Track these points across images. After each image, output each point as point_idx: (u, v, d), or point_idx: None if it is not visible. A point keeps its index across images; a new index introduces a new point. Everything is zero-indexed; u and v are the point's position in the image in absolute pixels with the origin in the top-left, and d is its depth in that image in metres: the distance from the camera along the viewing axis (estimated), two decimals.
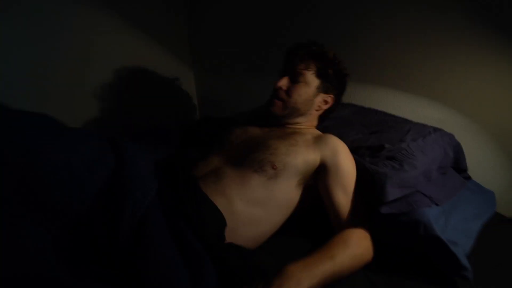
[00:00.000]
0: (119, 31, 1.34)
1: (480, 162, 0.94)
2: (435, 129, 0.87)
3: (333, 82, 0.83)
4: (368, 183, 0.70)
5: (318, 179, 0.74)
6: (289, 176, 0.71)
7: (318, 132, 0.86)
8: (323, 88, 0.82)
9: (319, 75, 0.81)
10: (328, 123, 0.94)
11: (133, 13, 1.37)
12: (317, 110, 0.85)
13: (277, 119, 0.85)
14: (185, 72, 1.68)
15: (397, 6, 1.03)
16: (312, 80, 0.81)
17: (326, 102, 0.84)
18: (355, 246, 0.63)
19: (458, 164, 0.88)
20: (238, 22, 1.47)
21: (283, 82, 0.81)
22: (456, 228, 0.67)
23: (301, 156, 0.72)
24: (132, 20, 1.37)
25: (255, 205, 0.69)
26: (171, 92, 1.64)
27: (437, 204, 0.68)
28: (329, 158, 0.73)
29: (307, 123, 0.86)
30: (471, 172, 0.90)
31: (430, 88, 1.03)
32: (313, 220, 0.80)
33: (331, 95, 0.84)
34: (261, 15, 1.37)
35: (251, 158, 0.71)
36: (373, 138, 0.86)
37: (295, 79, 0.81)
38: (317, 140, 0.76)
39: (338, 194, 0.71)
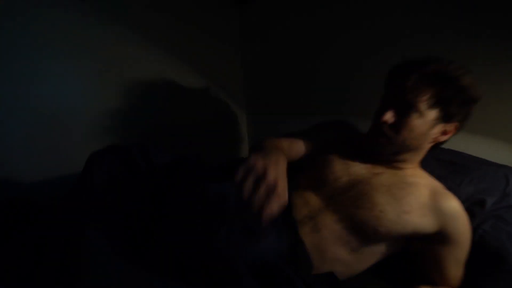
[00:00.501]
0: (179, 71, 1.45)
1: None
2: None
3: (459, 109, 0.64)
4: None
5: (427, 243, 0.66)
6: (391, 243, 0.66)
7: (433, 184, 0.69)
8: (443, 117, 0.64)
9: (438, 102, 0.62)
10: None
11: (192, 52, 1.47)
12: (432, 142, 0.68)
13: (381, 156, 0.70)
14: (238, 112, 1.73)
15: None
16: (427, 109, 0.62)
17: (445, 132, 0.66)
18: None
19: None
20: (291, 63, 1.49)
21: (389, 116, 0.64)
22: None
23: (412, 226, 0.63)
24: (191, 60, 1.46)
25: (348, 257, 0.66)
26: (222, 131, 1.68)
27: None
28: (450, 228, 0.63)
29: (417, 158, 0.71)
30: None
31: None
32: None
33: (454, 123, 0.65)
34: (313, 56, 1.38)
35: (353, 214, 0.64)
36: (465, 187, 0.73)
37: (405, 110, 0.63)
38: (435, 204, 0.64)
39: (450, 266, 0.65)
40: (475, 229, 0.68)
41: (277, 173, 0.44)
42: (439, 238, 0.64)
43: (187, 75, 1.49)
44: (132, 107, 1.32)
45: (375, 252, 0.67)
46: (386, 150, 0.67)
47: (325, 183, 0.70)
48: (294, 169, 0.73)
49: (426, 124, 0.64)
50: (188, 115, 1.54)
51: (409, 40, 1.04)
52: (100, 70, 1.20)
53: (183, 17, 1.42)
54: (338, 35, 1.25)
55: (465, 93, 0.62)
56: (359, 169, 0.71)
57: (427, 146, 0.69)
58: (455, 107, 0.63)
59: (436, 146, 0.71)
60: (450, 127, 0.66)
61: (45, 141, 1.09)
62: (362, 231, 0.63)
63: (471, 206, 0.73)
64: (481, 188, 0.74)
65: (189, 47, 1.47)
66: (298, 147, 0.78)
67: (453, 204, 0.64)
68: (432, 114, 0.63)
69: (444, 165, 0.80)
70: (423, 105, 0.62)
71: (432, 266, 0.67)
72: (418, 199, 0.64)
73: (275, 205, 0.41)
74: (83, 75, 1.16)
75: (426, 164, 0.79)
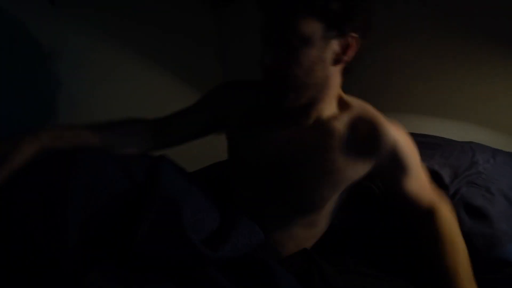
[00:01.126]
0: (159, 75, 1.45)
1: None
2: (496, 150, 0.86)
3: (346, 15, 0.50)
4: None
5: (373, 179, 0.68)
6: (334, 199, 0.64)
7: (355, 109, 0.60)
8: (334, 30, 0.50)
9: (319, 16, 0.48)
10: None
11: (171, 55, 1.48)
12: (335, 65, 0.54)
13: (282, 106, 0.58)
14: None
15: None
16: (310, 32, 0.49)
17: (346, 47, 0.53)
18: (453, 216, 0.64)
19: None
20: None
21: (269, 56, 0.52)
22: None
23: (348, 179, 0.60)
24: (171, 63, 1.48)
25: (302, 233, 0.64)
26: None
27: None
28: (385, 162, 0.60)
29: (327, 92, 0.58)
30: None
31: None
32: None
33: (351, 35, 0.52)
34: None
35: (286, 199, 0.61)
36: (437, 159, 0.81)
37: (283, 43, 0.51)
38: (368, 147, 0.58)
39: (407, 187, 0.63)
40: (452, 196, 0.72)
41: None
42: (380, 173, 0.63)
43: (168, 78, 1.50)
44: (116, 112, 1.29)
45: (327, 212, 0.65)
46: (282, 98, 0.55)
47: (246, 172, 0.65)
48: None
49: (316, 49, 0.50)
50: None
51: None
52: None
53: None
54: None
55: None
56: (271, 142, 0.61)
57: (332, 73, 0.56)
58: (340, 9, 0.48)
59: (347, 70, 0.59)
60: (348, 39, 0.52)
61: None
62: (303, 209, 0.62)
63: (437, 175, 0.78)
64: (451, 159, 0.83)
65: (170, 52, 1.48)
66: (184, 122, 0.68)
67: (385, 136, 0.58)
68: (317, 32, 0.49)
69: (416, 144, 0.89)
70: (304, 29, 0.48)
71: (401, 202, 0.65)
72: (343, 145, 0.57)
73: None
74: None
75: None
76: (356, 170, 0.59)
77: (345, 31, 0.51)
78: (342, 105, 0.61)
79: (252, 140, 0.63)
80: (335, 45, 0.52)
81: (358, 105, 0.62)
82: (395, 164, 0.60)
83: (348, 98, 0.63)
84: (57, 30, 1.09)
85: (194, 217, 0.49)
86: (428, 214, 0.63)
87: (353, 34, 0.52)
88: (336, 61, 0.54)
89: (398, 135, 0.59)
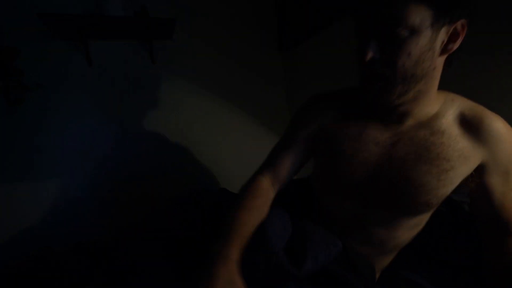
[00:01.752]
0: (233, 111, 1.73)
1: None
2: None
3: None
4: None
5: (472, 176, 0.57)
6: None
7: (462, 110, 0.56)
8: (443, 20, 0.47)
9: (427, 5, 0.45)
10: None
11: (244, 94, 1.75)
12: (442, 55, 0.51)
13: (387, 105, 0.54)
14: None
15: None
16: (419, 21, 0.46)
17: (454, 35, 0.49)
18: None
19: None
20: None
21: (372, 51, 0.49)
22: None
23: (459, 178, 0.55)
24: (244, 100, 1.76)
25: (406, 233, 0.62)
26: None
27: None
28: (492, 158, 0.54)
29: (432, 85, 0.54)
30: None
31: None
32: None
33: (461, 21, 0.48)
34: None
35: (396, 204, 0.57)
36: None
37: (390, 36, 0.47)
38: (472, 135, 0.54)
39: (496, 196, 0.55)
40: None
41: None
42: (483, 169, 0.55)
43: (240, 114, 1.74)
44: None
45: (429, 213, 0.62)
46: (389, 94, 0.51)
47: (343, 185, 0.61)
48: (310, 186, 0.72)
49: (424, 38, 0.47)
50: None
51: None
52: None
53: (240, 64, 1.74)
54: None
55: None
56: (371, 150, 0.58)
57: (438, 64, 0.52)
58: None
59: (451, 62, 0.54)
60: (457, 26, 0.48)
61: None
62: (417, 210, 0.57)
63: None
64: None
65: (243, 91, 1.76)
66: (292, 163, 0.68)
67: (494, 127, 0.53)
68: (425, 21, 0.46)
69: None
70: (410, 18, 0.45)
71: (482, 209, 0.58)
72: (454, 145, 0.53)
73: None
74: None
75: None
76: (468, 165, 0.54)
77: (455, 17, 0.47)
78: (443, 100, 0.57)
79: (351, 148, 0.60)
80: (443, 34, 0.48)
81: (458, 98, 0.58)
82: (502, 163, 0.54)
83: (443, 92, 0.58)
84: (156, 81, 1.51)
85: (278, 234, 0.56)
86: (500, 235, 0.56)
87: (463, 21, 0.48)
88: (443, 51, 0.50)
89: (509, 132, 0.54)
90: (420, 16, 0.45)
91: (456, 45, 0.50)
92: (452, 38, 0.49)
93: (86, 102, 1.38)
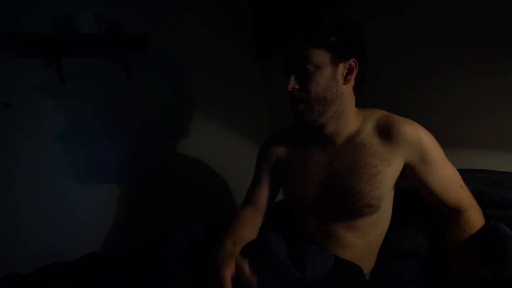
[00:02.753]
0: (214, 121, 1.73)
1: None
2: None
3: (344, 43, 0.66)
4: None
5: (406, 176, 0.70)
6: (387, 197, 0.70)
7: (375, 123, 0.70)
8: (338, 57, 0.66)
9: (325, 48, 0.65)
10: None
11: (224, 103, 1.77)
12: (345, 84, 0.68)
13: (313, 124, 0.70)
14: None
15: None
16: (320, 59, 0.65)
17: (350, 69, 0.68)
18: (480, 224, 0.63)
19: None
20: None
21: (292, 82, 0.67)
22: None
23: (388, 178, 0.67)
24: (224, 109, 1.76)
25: (373, 231, 0.71)
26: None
27: None
28: (413, 158, 0.66)
29: (346, 106, 0.69)
30: None
31: None
32: None
33: (352, 59, 0.67)
34: None
35: (344, 210, 0.69)
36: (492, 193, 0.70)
37: (303, 71, 0.66)
38: (390, 143, 0.66)
39: (439, 189, 0.67)
40: None
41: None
42: (409, 168, 0.67)
43: (221, 125, 1.74)
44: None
45: (386, 210, 0.72)
46: (309, 114, 0.68)
47: (304, 206, 0.75)
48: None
49: (326, 71, 0.65)
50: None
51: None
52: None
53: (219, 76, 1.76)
54: None
55: (338, 25, 0.66)
56: (315, 171, 0.73)
57: (345, 91, 0.68)
58: (339, 42, 0.65)
59: (358, 89, 0.71)
60: (350, 63, 0.67)
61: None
62: (362, 212, 0.68)
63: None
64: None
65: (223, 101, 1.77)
66: (265, 194, 0.82)
67: (402, 131, 0.65)
68: (325, 60, 0.65)
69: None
70: (313, 57, 0.65)
71: (430, 198, 0.69)
72: (376, 153, 0.67)
73: None
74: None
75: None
76: (392, 167, 0.66)
77: (347, 57, 0.67)
78: (362, 118, 0.72)
79: (300, 173, 0.75)
80: (342, 68, 0.67)
81: (374, 112, 0.72)
82: (421, 158, 0.66)
83: (363, 110, 0.74)
84: (133, 97, 1.50)
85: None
86: (453, 214, 0.67)
87: (354, 59, 0.67)
88: (346, 81, 0.68)
89: (420, 131, 0.66)
90: (321, 57, 0.65)
91: (353, 77, 0.68)
92: (349, 71, 0.68)
93: (60, 120, 1.35)
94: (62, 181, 1.36)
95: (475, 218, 0.64)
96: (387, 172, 0.66)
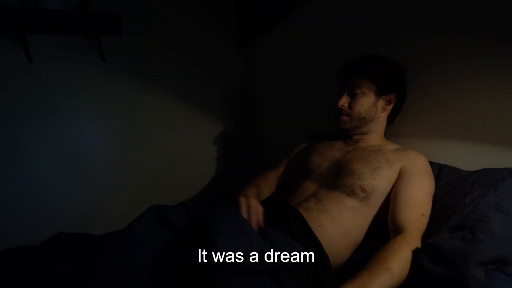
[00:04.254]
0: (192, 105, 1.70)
1: None
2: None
3: (389, 81, 0.85)
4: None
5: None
6: (378, 196, 0.78)
7: (397, 146, 0.88)
8: (382, 91, 0.85)
9: (373, 82, 0.84)
10: None
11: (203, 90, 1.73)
12: (382, 112, 0.88)
13: (349, 132, 0.90)
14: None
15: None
16: (368, 89, 0.85)
17: (389, 101, 0.87)
18: (408, 254, 0.60)
19: None
20: (286, 95, 1.58)
21: (343, 100, 0.87)
22: None
23: (386, 178, 0.77)
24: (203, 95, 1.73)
25: (354, 219, 0.77)
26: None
27: None
28: (406, 165, 0.78)
29: (378, 128, 0.89)
30: None
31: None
32: None
33: (392, 94, 0.86)
34: (303, 85, 1.43)
35: (341, 183, 0.80)
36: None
37: (353, 93, 0.86)
38: (398, 154, 0.81)
39: (405, 192, 0.73)
40: None
41: (251, 210, 0.69)
42: (401, 173, 0.77)
43: (199, 111, 1.72)
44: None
45: (373, 205, 0.78)
46: (349, 124, 0.88)
47: (312, 171, 0.90)
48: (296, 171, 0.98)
49: (370, 99, 0.85)
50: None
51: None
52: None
53: (198, 62, 1.72)
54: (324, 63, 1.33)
55: (387, 67, 0.85)
56: (334, 153, 0.91)
57: (381, 115, 0.88)
58: (385, 80, 0.84)
59: (391, 119, 0.91)
60: (390, 97, 0.86)
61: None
62: (354, 192, 0.78)
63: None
64: (446, 201, 0.68)
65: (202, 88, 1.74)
66: (287, 167, 1.06)
67: (414, 153, 0.80)
68: (372, 90, 0.85)
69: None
70: (363, 86, 0.85)
71: (392, 202, 0.74)
72: (385, 156, 0.81)
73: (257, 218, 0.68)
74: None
75: None
76: (392, 169, 0.78)
77: (388, 92, 0.86)
78: (385, 141, 0.92)
79: (324, 150, 0.94)
80: (383, 99, 0.86)
81: (395, 145, 0.89)
82: (410, 169, 0.76)
83: (388, 140, 0.92)
84: (106, 79, 1.45)
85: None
86: (394, 234, 0.69)
87: (394, 95, 0.86)
88: (383, 109, 0.88)
89: (421, 159, 0.79)
90: (368, 87, 0.85)
91: (390, 107, 0.88)
92: (388, 103, 0.87)
93: (27, 99, 1.30)
94: (30, 163, 1.33)
95: (405, 247, 0.61)
96: (387, 171, 0.78)
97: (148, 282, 0.55)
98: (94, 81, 1.44)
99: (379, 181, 0.77)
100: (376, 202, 0.78)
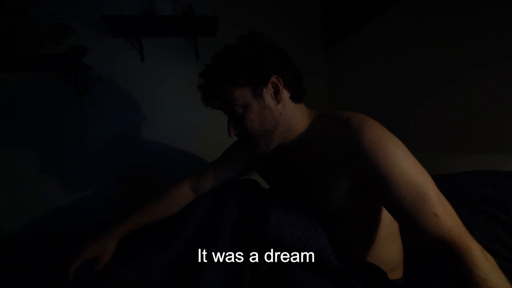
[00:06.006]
0: None
1: None
2: None
3: (255, 73, 0.61)
4: None
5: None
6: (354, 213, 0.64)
7: (325, 131, 0.63)
8: (256, 85, 0.62)
9: (240, 84, 0.62)
10: None
11: None
12: (278, 104, 0.65)
13: (269, 151, 0.69)
14: None
15: None
16: (242, 99, 0.63)
17: (275, 87, 0.64)
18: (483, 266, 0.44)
19: None
20: (371, 97, 1.48)
21: (231, 129, 0.66)
22: None
23: (343, 184, 0.61)
24: None
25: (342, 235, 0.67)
26: None
27: None
28: (364, 171, 0.55)
29: (289, 122, 0.67)
30: None
31: None
32: None
33: (273, 78, 0.63)
34: (388, 90, 1.32)
35: (313, 201, 0.68)
36: None
37: (233, 113, 0.65)
38: (338, 152, 0.59)
39: (403, 211, 0.51)
40: None
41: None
42: (365, 185, 0.56)
43: None
44: None
45: (355, 225, 0.66)
46: (258, 148, 0.68)
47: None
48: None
49: (254, 106, 0.63)
50: None
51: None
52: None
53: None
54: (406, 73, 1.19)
55: (235, 57, 0.62)
56: (283, 169, 0.74)
57: (282, 109, 0.65)
58: (253, 71, 0.61)
59: (297, 95, 0.67)
60: (273, 81, 0.63)
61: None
62: (327, 208, 0.65)
63: None
64: None
65: None
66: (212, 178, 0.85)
67: (361, 140, 0.54)
68: (248, 94, 0.62)
69: None
70: (236, 97, 0.62)
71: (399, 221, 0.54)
72: (326, 165, 0.61)
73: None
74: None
75: None
76: (341, 172, 0.59)
77: (265, 80, 0.63)
78: (313, 122, 0.69)
79: (272, 172, 0.81)
80: (266, 93, 0.64)
81: (329, 115, 0.67)
82: (372, 172, 0.53)
83: (320, 112, 0.70)
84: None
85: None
86: (448, 256, 0.48)
87: (274, 77, 0.63)
88: (278, 101, 0.65)
89: (372, 136, 0.54)
90: (241, 95, 0.62)
91: (283, 92, 0.65)
92: (275, 90, 0.64)
93: (138, 96, 1.54)
94: (127, 152, 1.57)
95: (481, 260, 0.45)
96: (335, 174, 0.61)
97: None
98: (189, 78, 1.61)
99: (339, 190, 0.61)
100: (354, 220, 0.64)
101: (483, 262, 0.44)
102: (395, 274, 0.71)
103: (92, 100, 1.46)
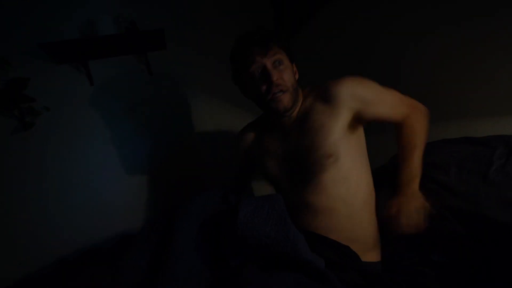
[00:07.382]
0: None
1: None
2: None
3: (291, 52, 0.85)
4: None
5: (361, 120, 0.81)
6: (343, 145, 0.78)
7: (316, 92, 0.85)
8: (292, 58, 0.86)
9: (287, 49, 0.83)
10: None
11: None
12: (296, 77, 0.88)
13: (287, 112, 0.83)
14: None
15: None
16: (285, 59, 0.83)
17: (296, 71, 0.89)
18: (420, 122, 0.81)
19: None
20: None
21: (276, 76, 0.79)
22: None
23: (335, 128, 0.78)
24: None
25: (345, 183, 0.78)
26: None
27: None
28: (356, 106, 0.78)
29: (299, 95, 0.87)
30: None
31: None
32: None
33: (294, 64, 0.88)
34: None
35: (306, 168, 0.80)
36: None
37: (275, 67, 0.80)
38: (331, 100, 0.79)
39: (379, 113, 0.81)
40: None
41: None
42: (360, 113, 0.79)
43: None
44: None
45: (349, 162, 0.80)
46: (288, 100, 0.80)
47: (276, 177, 0.89)
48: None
49: (290, 67, 0.84)
50: None
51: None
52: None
53: None
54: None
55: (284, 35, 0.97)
56: (276, 145, 0.88)
57: (297, 84, 0.86)
58: (290, 50, 0.84)
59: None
60: (294, 67, 0.88)
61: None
62: (325, 167, 0.77)
63: None
64: None
65: None
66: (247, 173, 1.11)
67: (337, 91, 0.78)
68: (287, 59, 0.83)
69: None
70: (283, 57, 0.82)
71: (381, 120, 0.82)
72: (317, 110, 0.80)
73: None
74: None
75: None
76: (337, 117, 0.78)
77: (294, 58, 0.88)
78: (305, 94, 0.89)
79: (266, 149, 0.91)
80: (293, 68, 0.88)
81: (310, 87, 0.89)
82: (362, 102, 0.78)
83: (304, 88, 0.91)
84: (155, 92, 1.57)
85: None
86: (400, 125, 0.82)
87: (294, 64, 0.89)
88: (294, 73, 0.88)
89: (347, 80, 0.79)
90: (285, 58, 0.82)
91: (296, 72, 0.89)
92: (296, 71, 0.89)
93: (91, 119, 1.47)
94: (94, 177, 1.49)
95: (412, 124, 0.80)
96: (333, 122, 0.78)
97: None
98: (143, 94, 1.57)
99: (332, 135, 0.77)
100: (346, 153, 0.78)
101: (412, 125, 0.81)
102: (372, 256, 0.77)
103: (39, 132, 1.36)
